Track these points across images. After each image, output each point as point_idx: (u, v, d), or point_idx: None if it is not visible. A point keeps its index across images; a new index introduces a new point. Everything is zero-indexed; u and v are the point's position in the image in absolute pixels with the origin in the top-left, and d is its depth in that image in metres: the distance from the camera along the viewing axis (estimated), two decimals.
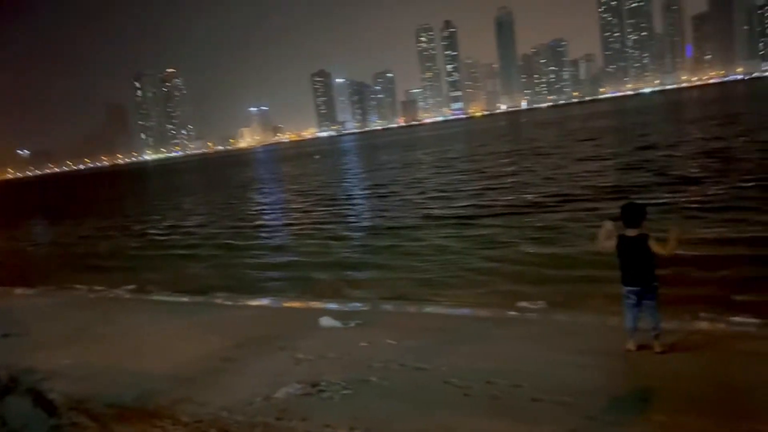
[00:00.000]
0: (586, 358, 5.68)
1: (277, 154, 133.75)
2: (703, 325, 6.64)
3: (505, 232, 13.89)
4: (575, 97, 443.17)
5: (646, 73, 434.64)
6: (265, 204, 28.06)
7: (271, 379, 5.81)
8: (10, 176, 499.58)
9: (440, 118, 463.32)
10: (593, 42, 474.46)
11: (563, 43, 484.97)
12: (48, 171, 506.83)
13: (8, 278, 15.62)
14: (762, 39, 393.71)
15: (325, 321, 7.77)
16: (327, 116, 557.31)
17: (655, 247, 5.29)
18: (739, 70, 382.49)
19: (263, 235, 18.69)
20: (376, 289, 10.32)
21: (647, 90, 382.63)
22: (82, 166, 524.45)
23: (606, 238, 5.58)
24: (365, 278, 11.44)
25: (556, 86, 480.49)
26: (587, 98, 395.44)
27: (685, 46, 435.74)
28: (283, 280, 12.19)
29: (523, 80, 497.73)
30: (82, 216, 33.18)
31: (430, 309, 8.75)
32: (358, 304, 9.24)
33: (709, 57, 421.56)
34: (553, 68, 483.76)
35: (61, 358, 7.30)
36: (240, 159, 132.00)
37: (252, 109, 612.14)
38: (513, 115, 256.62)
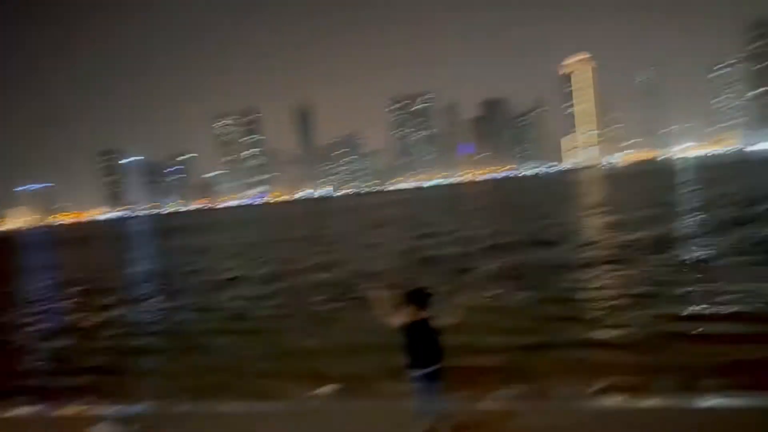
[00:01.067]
0: None
1: (55, 237, 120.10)
2: (488, 403, 7.11)
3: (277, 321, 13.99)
4: (371, 185, 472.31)
5: (431, 167, 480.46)
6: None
7: None
8: None
9: (240, 202, 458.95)
10: (386, 136, 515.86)
11: (359, 137, 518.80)
12: None
13: None
14: (521, 143, 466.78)
15: (100, 428, 7.02)
16: (116, 196, 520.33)
17: (445, 318, 5.48)
18: (510, 167, 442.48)
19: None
20: (164, 385, 9.62)
21: (430, 183, 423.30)
22: None
23: (384, 308, 5.67)
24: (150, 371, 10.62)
25: (354, 176, 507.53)
26: (381, 188, 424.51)
27: (458, 145, 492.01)
28: (53, 379, 10.79)
29: (323, 168, 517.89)
30: None
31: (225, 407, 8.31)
32: (143, 406, 8.48)
33: (484, 155, 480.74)
34: (350, 158, 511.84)
35: None
36: (11, 242, 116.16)
37: (25, 187, 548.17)
38: (313, 201, 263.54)
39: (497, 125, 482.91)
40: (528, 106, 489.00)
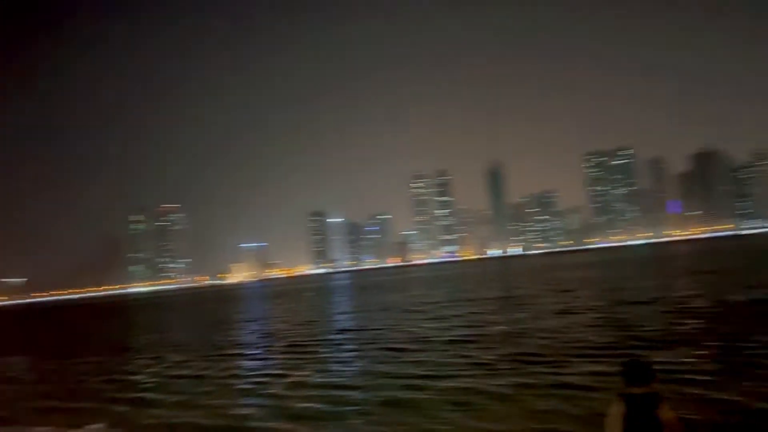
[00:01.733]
0: None
1: (269, 290, 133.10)
2: None
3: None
4: (565, 245, 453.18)
5: (633, 226, 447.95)
6: (247, 344, 27.57)
7: None
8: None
9: (432, 260, 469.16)
10: (581, 193, 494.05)
11: (553, 194, 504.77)
12: (37, 299, 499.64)
13: None
14: (741, 199, 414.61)
15: None
16: (321, 254, 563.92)
17: (667, 413, 4.70)
18: (727, 226, 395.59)
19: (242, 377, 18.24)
20: None
21: (635, 242, 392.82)
22: (71, 296, 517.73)
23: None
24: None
25: (546, 234, 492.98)
26: (576, 248, 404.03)
27: (666, 202, 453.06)
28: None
29: (514, 227, 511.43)
30: (57, 349, 32.41)
31: None
32: None
33: (696, 213, 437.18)
34: (542, 217, 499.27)
35: None
36: (230, 294, 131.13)
37: (245, 245, 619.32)
38: (503, 260, 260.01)
39: (710, 179, 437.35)
40: (746, 158, 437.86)
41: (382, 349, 20.88)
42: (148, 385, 17.90)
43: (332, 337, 26.28)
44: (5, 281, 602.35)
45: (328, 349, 22.28)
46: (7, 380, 22.10)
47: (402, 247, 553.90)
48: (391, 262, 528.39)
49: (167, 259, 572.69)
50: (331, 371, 17.49)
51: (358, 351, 21.14)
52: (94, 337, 38.79)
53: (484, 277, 77.78)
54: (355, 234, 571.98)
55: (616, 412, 4.87)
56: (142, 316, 64.17)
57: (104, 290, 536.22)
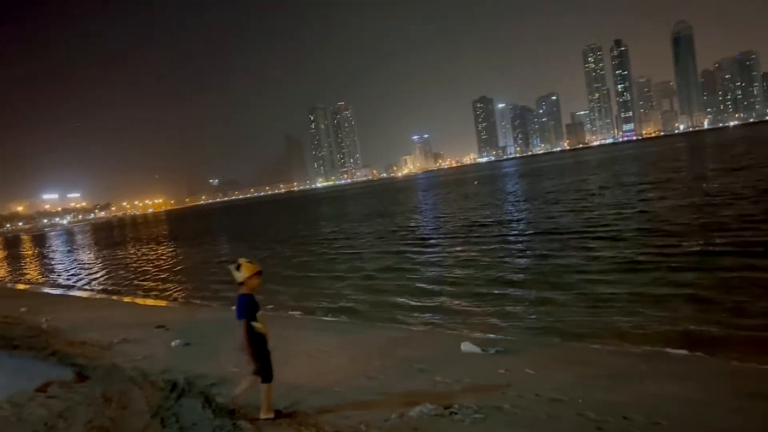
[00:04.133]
0: (743, 401, 5.23)
1: (436, 180, 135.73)
2: None
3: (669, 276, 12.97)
4: None
5: None
6: (424, 230, 28.70)
7: (407, 398, 6.09)
8: (203, 202, 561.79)
9: (609, 141, 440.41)
10: None
11: (752, 55, 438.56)
12: (234, 197, 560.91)
13: (195, 294, 17.76)
14: None
15: (466, 347, 7.90)
16: (487, 142, 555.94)
17: None
18: None
19: (420, 260, 19.18)
20: (527, 320, 10.23)
21: None
22: (262, 193, 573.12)
23: None
24: (517, 307, 11.35)
25: (745, 103, 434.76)
26: None
27: None
28: (433, 304, 12.49)
29: (705, 98, 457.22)
30: (257, 239, 36.40)
31: (575, 343, 8.50)
32: (504, 334, 9.26)
33: None
34: (740, 84, 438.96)
35: (229, 367, 8.18)
36: (401, 185, 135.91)
37: (414, 137, 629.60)
38: (694, 135, 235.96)
39: None
40: None
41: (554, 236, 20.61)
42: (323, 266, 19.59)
43: (495, 225, 26.37)
44: (209, 182, 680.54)
45: (495, 237, 22.48)
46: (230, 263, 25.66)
47: (574, 129, 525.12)
48: (564, 145, 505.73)
49: (343, 156, 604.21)
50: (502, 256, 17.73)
51: (527, 239, 21.06)
52: (290, 227, 42.97)
53: (674, 156, 71.74)
54: (522, 119, 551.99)
55: None
56: (327, 208, 69.35)
57: (291, 187, 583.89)
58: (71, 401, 7.01)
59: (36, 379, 7.68)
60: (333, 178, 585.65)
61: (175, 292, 19.18)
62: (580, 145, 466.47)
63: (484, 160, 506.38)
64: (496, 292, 12.89)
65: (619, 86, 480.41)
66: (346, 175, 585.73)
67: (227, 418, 6.10)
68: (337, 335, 9.78)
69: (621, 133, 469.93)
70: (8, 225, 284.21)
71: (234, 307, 5.85)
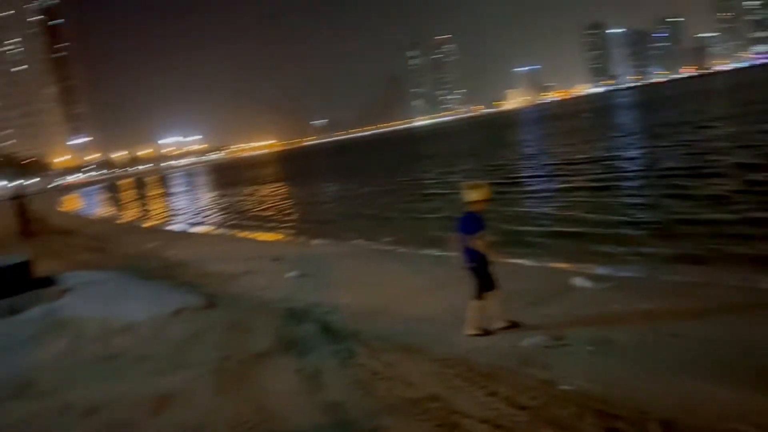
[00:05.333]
0: None
1: (543, 113, 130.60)
2: None
3: None
4: None
5: None
6: (532, 164, 27.95)
7: (517, 331, 6.11)
8: (309, 142, 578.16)
9: (737, 65, 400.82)
10: None
11: None
12: (338, 137, 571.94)
13: (307, 230, 18.57)
14: None
15: (578, 281, 7.74)
16: (600, 71, 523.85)
17: None
18: None
19: (527, 194, 18.81)
20: (642, 255, 9.83)
21: None
22: (365, 133, 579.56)
23: None
24: (630, 242, 10.91)
25: None
26: None
27: None
28: (543, 239, 12.27)
29: None
30: (363, 178, 37.11)
31: (696, 277, 8.05)
32: (624, 267, 8.97)
33: None
34: None
35: (343, 297, 8.57)
36: (506, 120, 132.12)
37: (518, 69, 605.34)
38: None
39: None
40: None
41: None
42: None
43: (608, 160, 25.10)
44: (312, 124, 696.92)
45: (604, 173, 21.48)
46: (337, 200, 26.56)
47: (698, 52, 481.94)
48: (684, 71, 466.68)
49: (444, 92, 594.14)
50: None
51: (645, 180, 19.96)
52: (393, 166, 43.45)
53: None
54: (639, 44, 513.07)
55: None
56: (427, 146, 69.13)
57: (391, 126, 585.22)
58: (202, 325, 7.67)
59: (171, 305, 8.43)
60: (434, 114, 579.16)
61: (289, 228, 20.14)
62: (705, 71, 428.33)
63: (597, 90, 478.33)
64: (607, 227, 12.44)
65: (753, 2, 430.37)
66: (447, 112, 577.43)
67: (342, 342, 6.44)
68: (443, 269, 9.89)
69: (753, 55, 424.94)
70: (136, 167, 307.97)
71: (460, 223, 6.05)
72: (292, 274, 10.57)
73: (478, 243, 5.89)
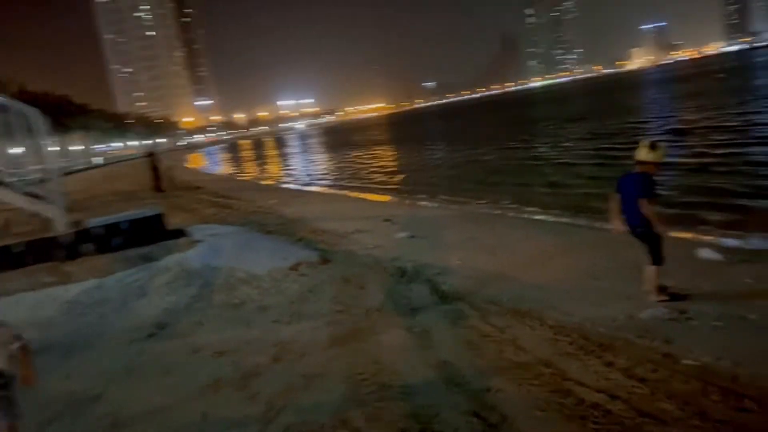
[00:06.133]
0: None
1: (670, 74, 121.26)
2: None
3: None
4: None
5: None
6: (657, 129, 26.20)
7: (638, 301, 5.86)
8: (418, 105, 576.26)
9: None
10: None
11: None
12: (448, 100, 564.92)
13: (417, 191, 18.70)
14: None
15: (705, 253, 7.27)
16: (737, 27, 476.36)
17: None
18: None
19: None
20: None
21: None
22: (477, 95, 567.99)
23: None
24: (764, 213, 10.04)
25: None
26: None
27: None
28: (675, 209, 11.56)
29: None
30: (474, 141, 36.57)
31: None
32: (756, 240, 8.29)
33: None
34: None
35: (453, 259, 8.61)
36: (629, 81, 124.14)
37: (645, 26, 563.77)
38: None
39: None
40: None
41: None
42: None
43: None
44: (423, 86, 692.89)
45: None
46: (448, 163, 26.46)
47: None
48: None
49: (562, 51, 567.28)
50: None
51: None
52: (504, 129, 42.51)
53: None
54: None
55: None
56: (541, 110, 66.64)
57: (506, 87, 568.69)
58: (318, 279, 8.03)
59: (289, 259, 8.88)
60: (550, 75, 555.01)
61: (398, 189, 20.37)
62: None
63: (733, 48, 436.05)
64: (736, 197, 11.50)
65: None
66: (565, 72, 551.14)
67: (452, 303, 6.51)
68: (557, 235, 9.64)
69: None
70: (255, 128, 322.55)
71: (627, 183, 5.74)
72: (403, 234, 10.74)
73: (650, 209, 5.47)
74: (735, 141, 18.55)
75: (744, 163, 14.93)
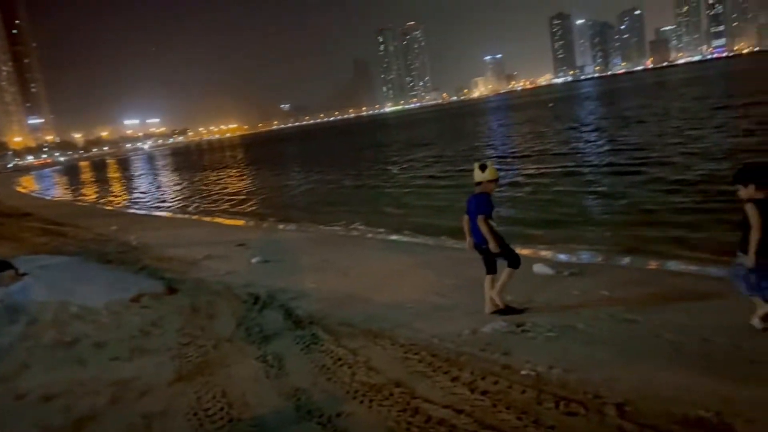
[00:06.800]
0: None
1: (508, 102, 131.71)
2: None
3: None
4: None
5: None
6: (492, 152, 28.20)
7: (479, 316, 6.18)
8: (275, 127, 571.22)
9: (696, 58, 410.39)
10: None
11: None
12: (305, 122, 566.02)
13: (272, 215, 18.39)
14: None
15: (538, 268, 7.86)
16: (564, 61, 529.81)
17: None
18: None
19: None
20: (602, 242, 10.02)
21: None
22: (332, 118, 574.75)
23: None
24: (591, 229, 11.13)
25: None
26: None
27: None
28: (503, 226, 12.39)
29: None
30: (330, 164, 36.91)
31: (653, 264, 8.28)
32: (583, 255, 9.13)
33: None
34: None
35: (308, 283, 8.54)
36: (472, 109, 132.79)
37: (486, 58, 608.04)
38: None
39: None
40: None
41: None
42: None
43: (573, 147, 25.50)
44: (281, 107, 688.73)
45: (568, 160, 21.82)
46: (303, 187, 26.27)
47: (659, 45, 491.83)
48: (646, 64, 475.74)
49: (411, 79, 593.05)
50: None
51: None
52: (357, 154, 43.32)
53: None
54: (602, 36, 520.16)
55: None
56: (393, 133, 69.01)
57: (360, 112, 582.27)
58: (163, 311, 7.56)
59: (130, 290, 8.28)
60: (402, 102, 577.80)
61: (253, 213, 19.92)
62: (665, 63, 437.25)
63: (561, 80, 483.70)
64: (568, 214, 12.67)
65: None
66: (415, 99, 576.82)
67: (306, 328, 6.42)
68: (408, 255, 9.94)
69: (710, 49, 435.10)
70: (96, 149, 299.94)
71: (471, 203, 6.02)
72: (257, 259, 10.48)
73: (484, 226, 5.80)
74: (562, 159, 20.48)
75: (573, 184, 16.46)
